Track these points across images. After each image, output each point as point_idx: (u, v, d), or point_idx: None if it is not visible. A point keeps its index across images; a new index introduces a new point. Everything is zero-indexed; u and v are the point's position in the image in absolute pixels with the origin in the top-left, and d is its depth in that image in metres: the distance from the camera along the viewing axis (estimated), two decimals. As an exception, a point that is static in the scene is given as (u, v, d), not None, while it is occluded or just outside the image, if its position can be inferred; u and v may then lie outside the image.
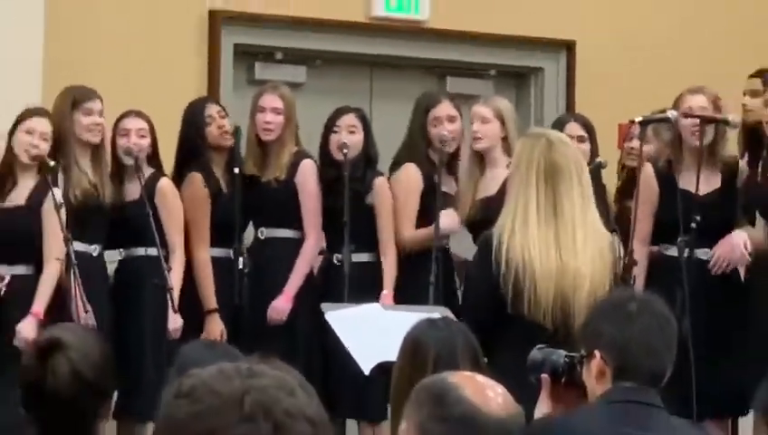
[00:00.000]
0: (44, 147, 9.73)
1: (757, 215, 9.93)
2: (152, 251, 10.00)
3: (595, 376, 5.69)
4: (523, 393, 5.54)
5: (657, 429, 5.57)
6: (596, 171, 9.46)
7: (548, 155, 7.74)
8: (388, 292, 10.11)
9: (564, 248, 7.48)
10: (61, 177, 9.82)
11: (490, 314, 7.33)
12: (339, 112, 10.53)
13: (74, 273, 9.48)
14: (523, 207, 7.52)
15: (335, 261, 10.32)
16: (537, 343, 6.04)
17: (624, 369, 5.64)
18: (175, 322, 9.90)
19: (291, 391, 3.02)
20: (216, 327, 10.24)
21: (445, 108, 10.48)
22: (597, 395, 5.69)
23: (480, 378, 4.39)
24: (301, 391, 3.03)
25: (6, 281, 9.55)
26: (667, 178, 9.94)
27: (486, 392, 4.24)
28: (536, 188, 7.58)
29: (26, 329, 9.38)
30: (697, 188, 9.79)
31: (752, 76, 10.23)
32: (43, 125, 9.80)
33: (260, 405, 2.95)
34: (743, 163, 10.04)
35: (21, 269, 9.77)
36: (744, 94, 10.17)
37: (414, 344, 5.89)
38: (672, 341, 5.80)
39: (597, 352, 5.68)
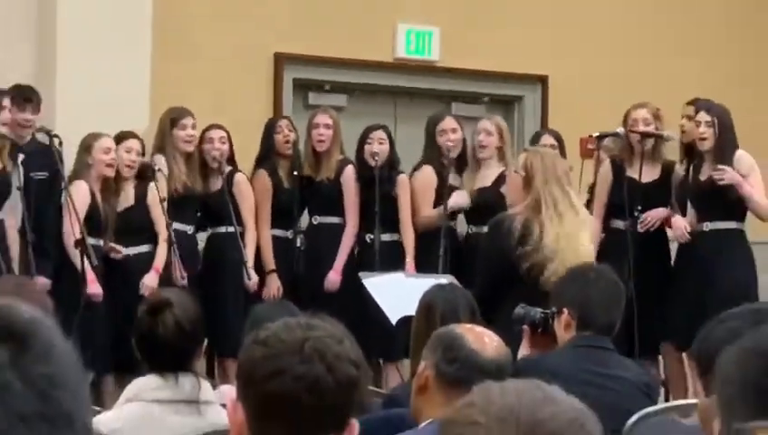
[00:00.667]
0: (139, 159, 9.73)
1: (688, 205, 9.89)
2: (231, 229, 9.99)
3: (563, 327, 5.79)
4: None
5: (610, 365, 5.62)
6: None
7: (549, 163, 7.73)
8: (410, 261, 10.12)
9: (571, 231, 7.44)
10: (161, 175, 9.81)
11: (499, 278, 7.24)
12: (370, 129, 10.47)
13: (174, 248, 9.59)
14: (538, 202, 7.45)
15: (368, 240, 10.33)
16: (535, 302, 6.12)
17: (585, 322, 5.72)
18: (253, 284, 9.99)
19: (339, 340, 3.02)
20: (273, 284, 10.13)
21: (448, 122, 10.42)
22: (565, 341, 5.79)
23: (479, 329, 4.49)
24: (346, 340, 3.13)
25: (122, 255, 9.63)
26: (619, 171, 9.95)
27: (484, 340, 4.35)
28: (547, 185, 7.54)
29: (150, 280, 9.44)
30: (639, 178, 9.81)
31: (687, 104, 10.12)
32: (137, 144, 9.78)
33: (316, 350, 2.95)
34: (679, 167, 10.01)
35: (143, 248, 9.72)
36: (682, 118, 10.14)
37: (427, 303, 5.91)
38: (621, 301, 5.90)
39: (565, 310, 5.78)
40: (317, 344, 2.97)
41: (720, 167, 9.47)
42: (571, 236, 7.31)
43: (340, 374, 2.98)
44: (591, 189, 10.19)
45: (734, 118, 9.66)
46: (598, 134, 10.21)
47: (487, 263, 7.57)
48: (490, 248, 7.69)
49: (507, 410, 1.78)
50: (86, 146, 9.58)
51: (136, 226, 9.71)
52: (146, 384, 4.87)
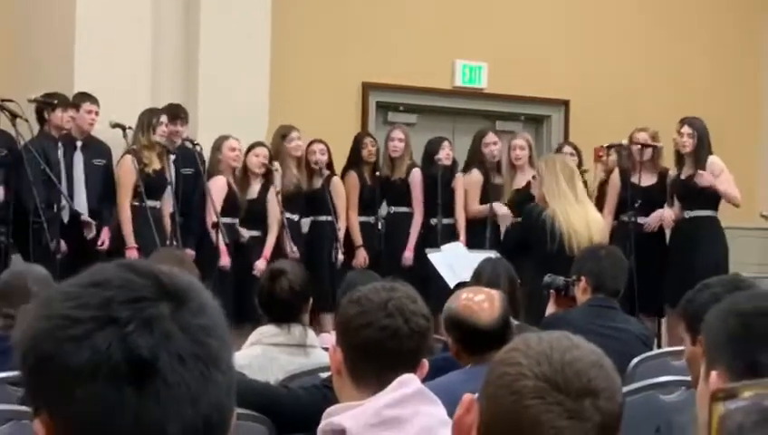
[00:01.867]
0: (266, 162, 9.77)
1: (674, 198, 9.93)
2: (328, 218, 10.04)
3: (581, 291, 5.78)
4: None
5: (617, 320, 5.60)
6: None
7: (564, 164, 7.74)
8: (462, 239, 10.10)
9: (583, 216, 7.44)
10: (277, 175, 9.86)
11: (525, 244, 7.24)
12: (441, 139, 10.54)
13: (286, 230, 9.62)
14: (557, 195, 7.46)
15: (432, 223, 10.34)
16: (560, 271, 6.10)
17: (597, 287, 5.71)
18: (341, 259, 10.00)
19: (414, 300, 3.12)
20: (361, 255, 10.10)
21: (491, 136, 10.47)
22: (582, 302, 5.76)
23: (480, 298, 4.30)
24: (419, 299, 3.14)
25: (246, 238, 9.66)
26: (625, 178, 9.99)
27: (483, 305, 4.21)
28: (563, 181, 7.56)
29: (261, 265, 9.45)
30: (639, 182, 9.85)
31: (679, 122, 10.19)
32: (264, 151, 9.75)
33: (396, 307, 3.03)
34: (672, 171, 10.04)
35: (256, 232, 9.64)
36: (676, 132, 10.17)
37: (477, 271, 5.95)
38: (625, 272, 5.90)
39: (582, 277, 5.76)
40: (397, 303, 3.04)
41: (700, 172, 9.50)
42: (574, 218, 7.33)
43: (414, 325, 3.02)
44: (600, 187, 10.23)
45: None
46: (608, 145, 10.32)
47: (516, 242, 7.55)
48: (525, 229, 7.70)
49: (543, 354, 1.79)
50: (216, 146, 9.60)
51: (255, 214, 9.67)
52: (266, 331, 4.89)
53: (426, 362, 3.04)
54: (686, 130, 9.65)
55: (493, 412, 1.79)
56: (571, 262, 6.11)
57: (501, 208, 10.00)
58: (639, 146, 9.85)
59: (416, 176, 10.34)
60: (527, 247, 7.70)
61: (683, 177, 9.71)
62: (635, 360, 5.03)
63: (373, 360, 2.95)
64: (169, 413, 1.34)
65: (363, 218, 10.33)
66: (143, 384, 1.33)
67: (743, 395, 1.58)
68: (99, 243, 8.92)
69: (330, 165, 10.26)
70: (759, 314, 2.24)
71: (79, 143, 9.09)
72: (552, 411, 1.74)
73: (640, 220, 9.79)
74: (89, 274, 1.42)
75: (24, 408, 3.48)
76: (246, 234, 9.58)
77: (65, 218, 8.69)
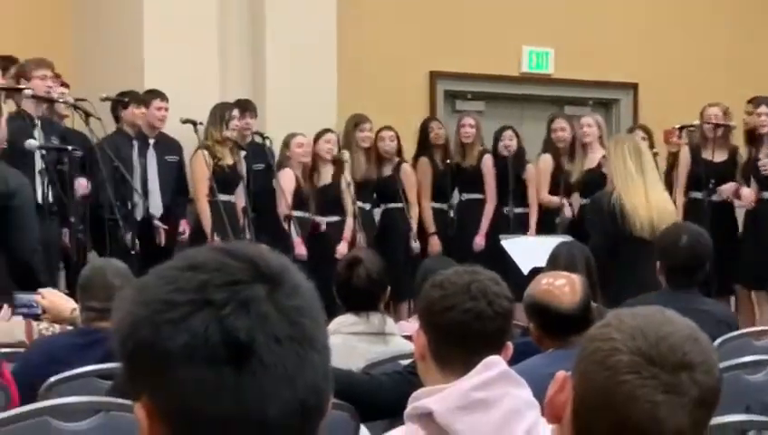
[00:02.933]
0: (335, 150, 9.79)
1: (751, 179, 9.86)
2: (400, 205, 10.05)
3: (659, 273, 5.70)
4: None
5: (698, 303, 5.46)
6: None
7: (633, 144, 7.66)
8: (533, 226, 10.09)
9: (652, 197, 7.35)
10: (347, 165, 9.89)
11: (607, 239, 7.18)
12: (503, 128, 10.50)
13: (358, 220, 9.62)
14: (626, 173, 7.38)
15: (504, 211, 10.34)
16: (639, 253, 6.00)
17: (675, 272, 5.60)
18: (416, 246, 10.01)
19: (496, 282, 3.08)
20: (435, 243, 10.16)
21: (558, 122, 10.40)
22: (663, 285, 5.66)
23: (561, 282, 4.26)
24: (501, 282, 3.12)
25: (323, 227, 9.69)
26: (696, 155, 9.94)
27: (564, 289, 4.19)
28: (631, 163, 7.47)
29: (342, 247, 9.42)
30: (713, 159, 9.78)
31: (748, 102, 10.10)
32: (333, 137, 9.81)
33: (479, 290, 3.00)
34: (742, 150, 9.99)
35: (334, 218, 9.68)
36: (745, 112, 10.09)
37: (553, 255, 5.93)
38: (705, 255, 5.73)
39: (659, 262, 5.69)
40: (480, 286, 3.02)
41: None
42: (639, 200, 7.22)
43: (498, 307, 3.01)
44: (670, 169, 10.16)
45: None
46: (679, 126, 10.18)
47: (597, 226, 7.48)
48: (594, 218, 7.63)
49: (637, 329, 1.76)
50: (285, 143, 9.65)
51: (330, 199, 9.72)
52: (344, 321, 4.87)
53: (510, 345, 3.02)
54: (763, 109, 9.60)
55: (586, 389, 1.78)
56: (639, 243, 6.00)
57: (567, 209, 9.93)
58: (712, 125, 9.79)
59: (487, 162, 10.38)
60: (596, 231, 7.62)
61: (761, 157, 9.62)
62: (718, 340, 4.98)
63: (458, 343, 2.93)
64: (268, 394, 1.35)
65: (435, 205, 10.38)
66: (241, 366, 1.34)
67: None
68: (180, 230, 9.02)
69: (399, 152, 10.30)
70: None
71: (152, 141, 9.18)
72: (648, 386, 1.72)
73: (715, 198, 9.74)
74: (184, 257, 1.42)
75: (112, 399, 3.52)
76: (323, 222, 9.60)
77: (139, 215, 8.78)
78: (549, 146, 10.36)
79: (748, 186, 9.80)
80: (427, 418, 2.70)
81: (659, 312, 1.81)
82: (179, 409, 1.35)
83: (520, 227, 9.94)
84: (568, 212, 9.86)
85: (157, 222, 8.93)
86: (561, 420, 1.83)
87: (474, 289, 2.99)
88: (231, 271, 1.38)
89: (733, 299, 9.89)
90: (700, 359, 1.75)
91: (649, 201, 7.25)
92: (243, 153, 9.31)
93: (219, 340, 1.34)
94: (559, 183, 10.03)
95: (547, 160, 10.29)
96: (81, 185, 7.78)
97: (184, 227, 9.13)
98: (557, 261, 5.78)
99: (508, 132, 10.40)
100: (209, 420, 1.34)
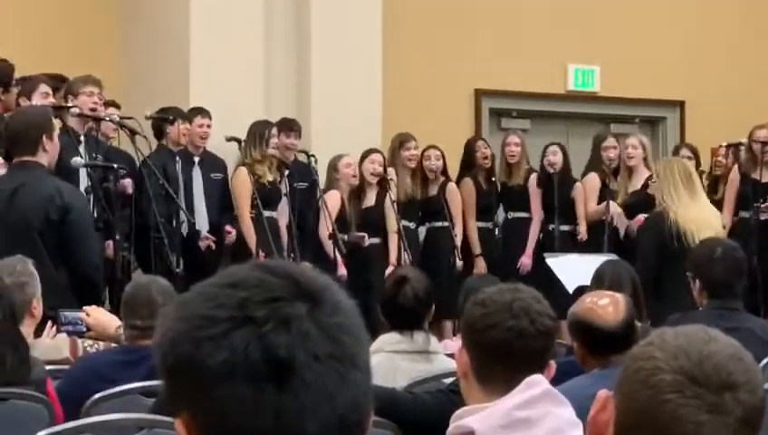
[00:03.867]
0: (381, 170, 9.78)
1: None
2: (445, 224, 10.02)
3: (698, 292, 5.66)
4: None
5: (740, 320, 5.42)
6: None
7: (683, 167, 7.65)
8: (583, 235, 10.05)
9: (702, 216, 7.33)
10: (392, 183, 9.88)
11: (658, 257, 7.17)
12: (549, 145, 10.52)
13: (403, 238, 9.60)
14: (678, 196, 7.37)
15: (550, 229, 10.30)
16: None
17: (713, 291, 5.57)
18: (460, 265, 9.97)
19: (539, 300, 3.09)
20: (480, 265, 10.12)
21: (610, 141, 10.38)
22: (702, 305, 5.62)
23: (604, 301, 4.26)
24: (543, 300, 3.12)
25: (366, 241, 9.69)
26: (745, 174, 9.87)
27: (608, 309, 4.18)
28: (681, 184, 7.47)
29: (389, 271, 9.44)
30: (760, 179, 9.67)
31: None
32: (379, 158, 9.82)
33: (522, 308, 3.02)
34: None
35: (376, 240, 9.70)
36: None
37: (598, 274, 5.88)
38: (741, 271, 5.69)
39: (697, 280, 5.66)
40: (522, 304, 3.02)
41: None
42: (696, 220, 7.21)
43: (540, 326, 3.00)
44: (713, 185, 10.09)
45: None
46: (726, 144, 10.18)
47: (649, 245, 7.45)
48: (648, 236, 7.58)
49: (680, 348, 1.74)
50: (332, 165, 9.68)
51: (373, 222, 9.73)
52: (389, 339, 4.85)
53: (553, 364, 3.02)
54: None
55: (629, 408, 1.76)
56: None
57: (615, 208, 9.87)
58: (760, 144, 9.71)
59: (533, 181, 10.33)
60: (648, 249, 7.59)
61: None
62: (765, 360, 4.93)
63: (500, 361, 2.93)
64: (308, 412, 1.35)
65: (481, 224, 10.38)
66: (281, 383, 1.34)
67: None
68: (226, 231, 9.04)
69: (444, 171, 10.27)
70: None
71: (197, 158, 9.23)
72: (691, 405, 1.70)
73: (762, 217, 9.63)
74: (224, 275, 1.43)
75: (155, 417, 3.53)
76: (365, 237, 9.61)
77: (184, 232, 8.82)
78: (595, 164, 10.33)
79: None
80: (469, 437, 2.69)
81: (702, 330, 1.80)
82: (218, 425, 1.35)
83: (566, 244, 9.89)
84: (617, 209, 9.75)
85: (205, 234, 8.98)
86: (603, 440, 1.82)
87: (516, 307, 2.99)
88: (271, 288, 1.39)
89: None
90: (744, 378, 1.73)
91: (701, 222, 7.25)
92: (287, 172, 9.33)
93: (259, 357, 1.34)
94: (605, 202, 9.99)
95: (594, 178, 10.26)
96: (126, 184, 7.75)
97: (230, 229, 9.15)
98: (602, 280, 5.74)
99: (552, 148, 10.37)
100: None
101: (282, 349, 1.34)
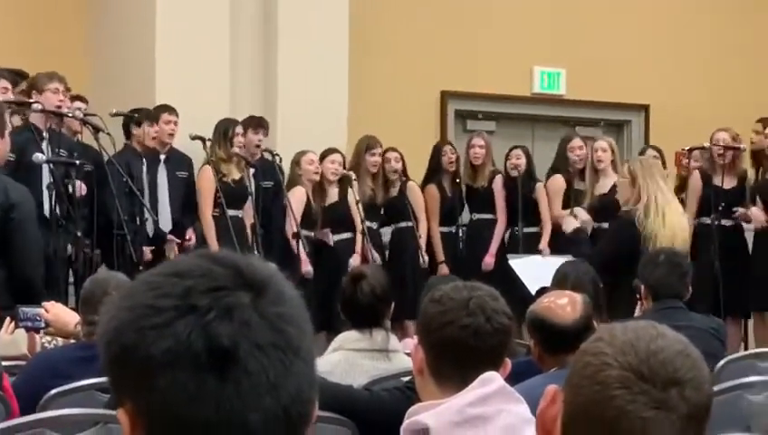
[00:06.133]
0: (341, 169, 9.80)
1: (758, 200, 9.84)
2: (409, 224, 10.04)
3: (644, 298, 5.68)
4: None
5: (682, 319, 5.35)
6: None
7: (647, 166, 7.61)
8: (544, 246, 10.05)
9: (671, 217, 7.32)
10: (355, 183, 9.88)
11: (621, 256, 7.16)
12: (513, 148, 10.54)
13: (367, 237, 9.60)
14: (659, 195, 7.34)
15: (514, 231, 10.32)
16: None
17: (657, 295, 5.62)
18: (424, 263, 10.00)
19: (495, 298, 3.09)
20: (444, 271, 9.97)
21: (576, 141, 10.38)
22: (647, 309, 5.65)
23: (563, 301, 4.29)
24: (500, 298, 3.11)
25: (332, 241, 9.69)
26: (707, 177, 9.90)
27: (566, 308, 4.20)
28: (662, 183, 7.45)
29: (355, 260, 9.48)
30: (722, 185, 9.72)
31: (757, 121, 10.09)
32: (339, 158, 9.82)
33: (478, 306, 3.03)
34: (751, 172, 9.96)
35: (344, 235, 9.73)
36: (753, 131, 10.07)
37: (561, 275, 5.87)
38: (684, 275, 5.71)
39: (642, 286, 5.69)
40: (479, 301, 3.01)
41: None
42: (671, 220, 7.20)
43: (497, 323, 3.00)
44: (678, 190, 10.14)
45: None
46: (689, 148, 10.18)
47: (615, 242, 7.44)
48: (615, 236, 7.57)
49: (628, 344, 1.74)
50: (295, 161, 9.68)
51: (339, 217, 9.74)
52: (348, 337, 4.83)
53: (509, 362, 3.01)
54: None
55: (577, 403, 1.76)
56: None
57: (582, 214, 9.86)
58: (721, 149, 9.74)
59: (498, 183, 10.38)
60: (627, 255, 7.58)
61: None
62: (722, 361, 4.95)
63: (455, 358, 2.92)
64: (250, 402, 1.34)
65: (444, 229, 10.38)
66: (223, 372, 1.33)
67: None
68: (186, 238, 9.02)
69: (404, 172, 10.31)
70: None
71: (162, 157, 9.20)
72: (638, 401, 1.71)
73: (723, 222, 9.70)
74: (170, 264, 1.42)
75: (109, 412, 3.52)
76: (331, 239, 9.62)
77: (150, 232, 8.79)
78: (560, 165, 10.33)
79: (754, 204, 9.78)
80: (423, 433, 2.69)
81: (651, 326, 1.80)
82: (160, 414, 1.34)
83: (529, 246, 9.90)
84: (584, 215, 9.77)
85: (170, 236, 8.95)
86: (551, 434, 1.82)
87: (472, 305, 2.98)
88: (215, 277, 1.38)
89: (751, 322, 9.85)
90: (690, 375, 1.73)
91: (669, 224, 7.25)
92: (252, 170, 9.32)
93: (202, 346, 1.33)
94: (570, 204, 9.99)
95: (558, 180, 10.26)
96: (78, 187, 7.69)
97: (190, 235, 9.14)
98: (565, 281, 5.73)
99: (516, 151, 10.40)
100: (190, 426, 1.33)
101: (224, 338, 1.34)
